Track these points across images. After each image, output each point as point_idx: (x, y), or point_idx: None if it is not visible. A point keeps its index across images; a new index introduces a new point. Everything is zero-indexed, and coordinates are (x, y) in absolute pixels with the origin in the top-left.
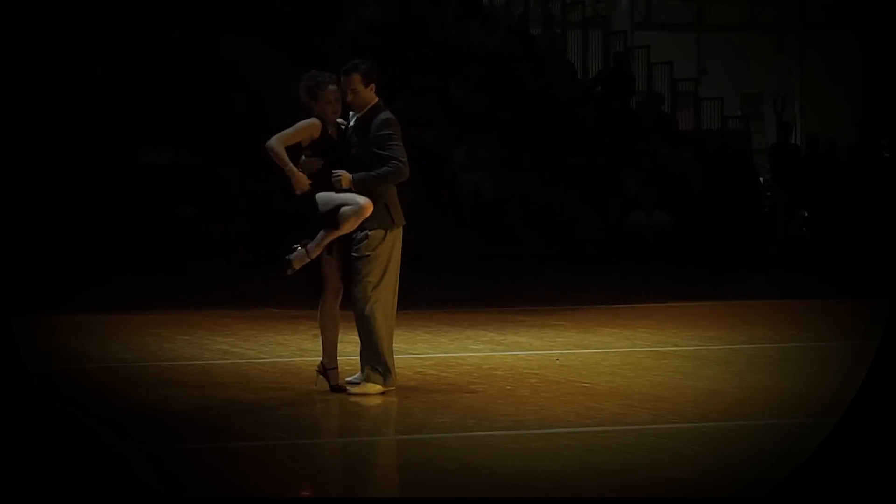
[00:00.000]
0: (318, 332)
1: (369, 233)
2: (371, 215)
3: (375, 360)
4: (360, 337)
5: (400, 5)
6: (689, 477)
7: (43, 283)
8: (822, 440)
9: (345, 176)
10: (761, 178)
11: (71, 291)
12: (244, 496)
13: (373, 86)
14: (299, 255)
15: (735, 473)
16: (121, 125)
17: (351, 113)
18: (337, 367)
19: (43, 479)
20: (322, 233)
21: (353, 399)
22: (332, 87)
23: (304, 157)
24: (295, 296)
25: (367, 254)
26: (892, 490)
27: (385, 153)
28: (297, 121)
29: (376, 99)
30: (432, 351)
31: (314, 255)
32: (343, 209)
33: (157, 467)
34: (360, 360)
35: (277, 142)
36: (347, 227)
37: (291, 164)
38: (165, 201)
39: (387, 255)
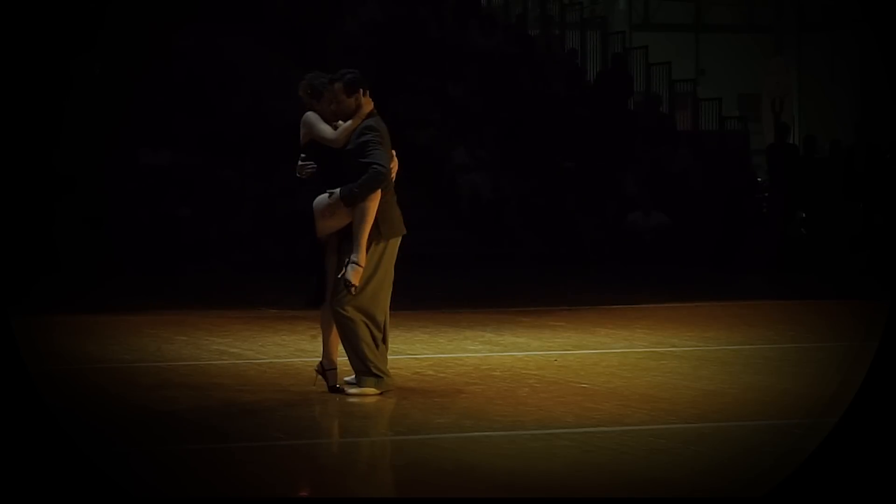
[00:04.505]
0: (317, 332)
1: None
2: None
3: (363, 367)
4: (342, 344)
5: (398, 6)
6: (687, 477)
7: (42, 284)
8: (820, 441)
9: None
10: (759, 179)
11: (70, 292)
12: (243, 496)
13: (358, 96)
14: (353, 270)
15: (733, 474)
16: (119, 126)
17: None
18: (336, 368)
19: (43, 479)
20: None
21: (350, 400)
22: (332, 87)
23: (300, 161)
24: (292, 297)
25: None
26: (891, 491)
27: (364, 160)
28: (296, 122)
29: (366, 109)
30: (430, 351)
31: (364, 261)
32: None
33: (157, 467)
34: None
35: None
36: (319, 227)
37: None
38: (164, 202)
39: (372, 266)
